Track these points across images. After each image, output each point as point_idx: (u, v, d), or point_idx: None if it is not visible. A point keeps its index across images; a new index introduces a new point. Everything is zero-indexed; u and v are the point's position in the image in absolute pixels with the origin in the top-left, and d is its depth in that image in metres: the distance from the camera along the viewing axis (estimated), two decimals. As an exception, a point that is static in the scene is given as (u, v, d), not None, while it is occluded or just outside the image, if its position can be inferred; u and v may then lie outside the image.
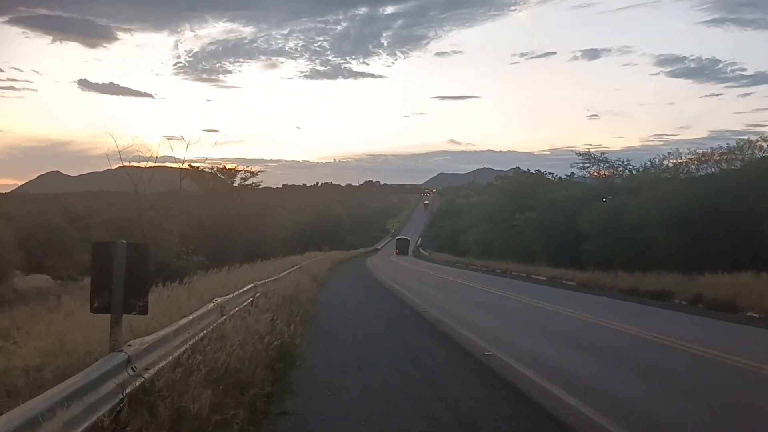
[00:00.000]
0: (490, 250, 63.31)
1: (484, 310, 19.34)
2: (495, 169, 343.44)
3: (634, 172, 43.22)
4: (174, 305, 8.90)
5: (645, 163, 41.45)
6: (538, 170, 59.50)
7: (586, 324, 15.22)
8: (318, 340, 11.50)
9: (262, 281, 15.75)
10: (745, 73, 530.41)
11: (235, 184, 61.84)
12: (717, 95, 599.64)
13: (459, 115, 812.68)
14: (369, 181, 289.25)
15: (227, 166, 62.25)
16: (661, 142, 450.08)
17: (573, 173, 53.34)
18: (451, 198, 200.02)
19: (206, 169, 62.10)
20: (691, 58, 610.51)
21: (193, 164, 61.36)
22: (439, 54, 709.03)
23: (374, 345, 11.51)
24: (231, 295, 10.92)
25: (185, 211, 52.42)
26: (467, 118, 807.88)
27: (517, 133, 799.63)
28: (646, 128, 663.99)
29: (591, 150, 44.43)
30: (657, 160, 37.74)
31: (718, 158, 30.05)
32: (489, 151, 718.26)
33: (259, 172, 64.50)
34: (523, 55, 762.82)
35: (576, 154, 44.70)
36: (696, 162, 32.20)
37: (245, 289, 12.74)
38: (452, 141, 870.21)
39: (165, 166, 59.57)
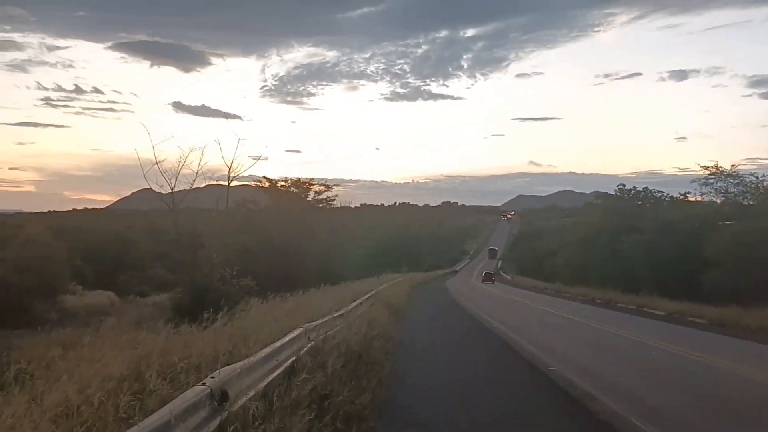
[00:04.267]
0: (585, 276, 56.70)
1: (642, 373, 13.21)
2: (577, 191, 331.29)
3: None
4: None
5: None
6: (645, 187, 52.46)
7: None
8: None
9: (320, 320, 11.03)
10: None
11: (309, 199, 58.13)
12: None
13: (539, 136, 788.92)
14: (447, 201, 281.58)
15: (301, 179, 58.66)
16: (755, 166, 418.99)
17: (687, 192, 46.39)
18: (531, 220, 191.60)
19: (281, 185, 59.09)
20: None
21: (269, 179, 58.50)
22: (519, 75, 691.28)
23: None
24: (246, 362, 6.16)
25: (256, 228, 49.03)
26: (548, 140, 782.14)
27: (600, 155, 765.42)
28: (737, 151, 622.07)
29: (718, 167, 37.75)
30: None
31: None
32: (571, 173, 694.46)
33: (334, 186, 60.62)
34: (607, 76, 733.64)
35: (703, 168, 38.13)
36: None
37: (286, 340, 8.00)
38: (532, 162, 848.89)
39: (248, 185, 57.96)
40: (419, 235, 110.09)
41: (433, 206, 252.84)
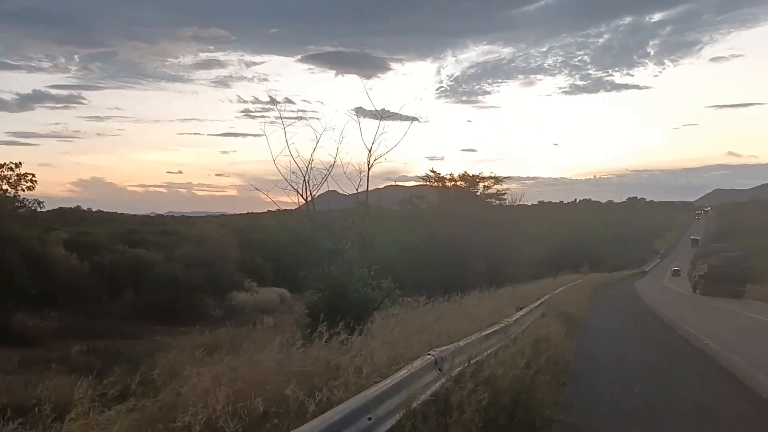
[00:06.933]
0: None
1: None
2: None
3: None
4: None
5: None
6: None
7: None
8: None
9: (463, 341, 7.95)
10: None
11: (478, 194, 55.03)
12: None
13: (738, 124, 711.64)
14: (633, 197, 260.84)
15: (467, 173, 55.77)
16: None
17: None
18: (732, 217, 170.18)
19: (449, 181, 56.83)
20: None
21: (436, 173, 56.42)
22: (714, 59, 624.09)
23: None
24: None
25: (421, 225, 46.98)
26: (749, 128, 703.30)
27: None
28: None
29: None
30: None
31: None
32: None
33: (505, 179, 56.86)
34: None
35: None
36: None
37: (387, 387, 5.08)
38: (730, 153, 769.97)
39: (426, 185, 56.83)
40: (602, 232, 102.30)
41: (618, 203, 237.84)
